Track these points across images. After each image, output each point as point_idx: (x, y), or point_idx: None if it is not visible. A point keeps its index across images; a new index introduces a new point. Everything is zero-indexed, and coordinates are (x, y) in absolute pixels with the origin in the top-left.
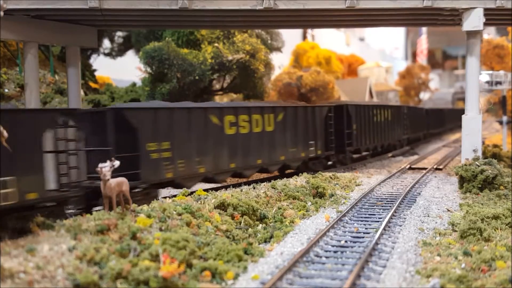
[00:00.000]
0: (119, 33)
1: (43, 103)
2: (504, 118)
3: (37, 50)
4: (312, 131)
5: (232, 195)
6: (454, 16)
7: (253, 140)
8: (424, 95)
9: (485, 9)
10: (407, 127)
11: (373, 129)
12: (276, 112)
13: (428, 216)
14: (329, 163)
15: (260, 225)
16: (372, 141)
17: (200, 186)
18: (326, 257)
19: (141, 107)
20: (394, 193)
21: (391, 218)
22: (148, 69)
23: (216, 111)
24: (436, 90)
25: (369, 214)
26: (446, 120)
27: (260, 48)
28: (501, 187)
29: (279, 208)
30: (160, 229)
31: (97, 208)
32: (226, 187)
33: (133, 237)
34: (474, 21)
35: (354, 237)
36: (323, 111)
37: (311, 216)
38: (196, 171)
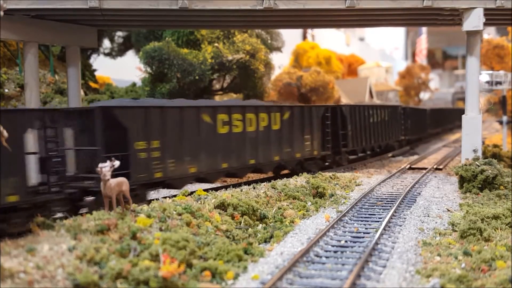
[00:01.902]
0: (119, 33)
1: (43, 103)
2: (504, 118)
3: (37, 50)
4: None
5: (232, 195)
6: (454, 16)
7: None
8: (424, 95)
9: (485, 9)
10: (342, 137)
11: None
12: None
13: (428, 216)
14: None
15: (260, 225)
16: (201, 164)
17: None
18: (326, 257)
19: None
20: (394, 193)
21: (391, 218)
22: (148, 69)
23: None
24: (436, 90)
25: (369, 214)
26: (429, 123)
27: (260, 48)
28: (501, 187)
29: (279, 208)
30: (160, 229)
31: None
32: (226, 187)
33: (133, 237)
34: (474, 21)
35: (354, 237)
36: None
37: (311, 216)
38: None
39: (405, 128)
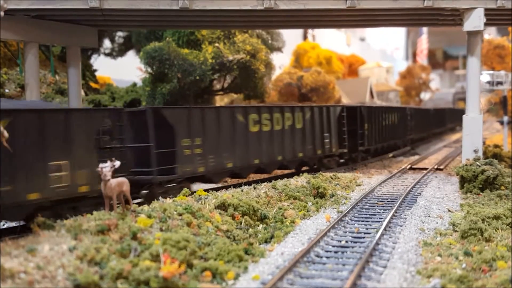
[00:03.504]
0: (120, 33)
1: None
2: (505, 118)
3: (37, 50)
4: None
5: (232, 195)
6: (455, 16)
7: None
8: (425, 95)
9: (486, 9)
10: (163, 157)
11: None
12: None
13: (429, 216)
14: None
15: (261, 225)
16: None
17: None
18: (327, 257)
19: None
20: (395, 193)
21: (391, 218)
22: (149, 69)
23: None
24: (437, 90)
25: (369, 214)
26: (413, 126)
27: (261, 48)
28: (502, 187)
29: (280, 208)
30: (161, 229)
31: None
32: (226, 187)
33: (134, 237)
34: (475, 21)
35: (354, 237)
36: None
37: (311, 216)
38: None
39: (347, 137)
